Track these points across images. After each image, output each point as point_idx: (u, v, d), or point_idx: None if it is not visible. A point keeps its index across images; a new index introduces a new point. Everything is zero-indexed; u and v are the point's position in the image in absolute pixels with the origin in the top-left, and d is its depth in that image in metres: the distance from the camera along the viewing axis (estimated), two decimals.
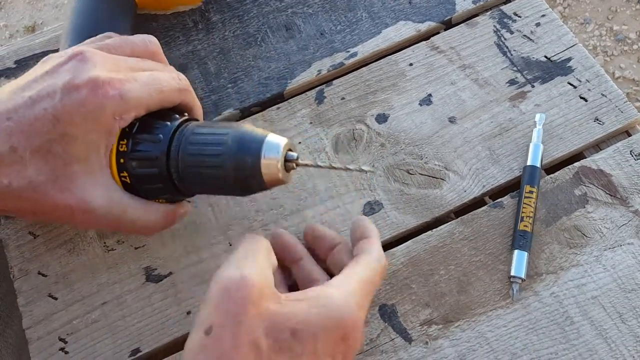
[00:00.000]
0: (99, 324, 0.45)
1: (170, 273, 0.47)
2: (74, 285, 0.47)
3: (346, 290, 0.35)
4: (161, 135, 0.40)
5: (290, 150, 0.40)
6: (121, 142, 0.40)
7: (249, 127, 0.40)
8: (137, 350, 0.44)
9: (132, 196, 0.41)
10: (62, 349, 0.45)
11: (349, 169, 0.41)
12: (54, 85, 0.38)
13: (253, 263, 0.34)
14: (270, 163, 0.38)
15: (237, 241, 0.38)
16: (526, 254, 0.45)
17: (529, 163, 0.48)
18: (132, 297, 0.46)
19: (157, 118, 0.41)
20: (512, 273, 0.44)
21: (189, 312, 0.45)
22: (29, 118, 0.38)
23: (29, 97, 0.38)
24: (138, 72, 0.41)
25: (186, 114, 0.43)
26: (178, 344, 0.45)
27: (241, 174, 0.39)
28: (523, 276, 0.44)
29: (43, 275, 0.47)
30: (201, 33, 0.58)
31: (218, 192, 0.42)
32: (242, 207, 0.49)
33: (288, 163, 0.39)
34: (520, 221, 0.46)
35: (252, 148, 0.38)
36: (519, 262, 0.45)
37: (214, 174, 0.39)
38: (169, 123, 0.41)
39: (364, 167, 0.40)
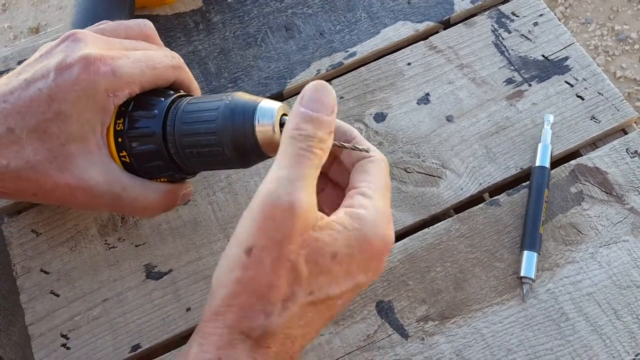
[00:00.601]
0: (100, 320, 0.46)
1: (170, 270, 0.47)
2: (76, 283, 0.47)
3: (375, 208, 0.34)
4: (156, 111, 0.40)
5: (285, 114, 0.39)
6: (118, 122, 0.41)
7: (241, 94, 0.39)
8: (137, 346, 0.45)
9: (131, 175, 0.42)
10: (63, 345, 0.45)
11: (343, 146, 0.40)
12: (47, 66, 0.39)
13: (304, 185, 0.32)
14: (265, 129, 0.38)
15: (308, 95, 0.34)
16: (536, 254, 0.45)
17: (539, 164, 0.48)
18: (133, 294, 0.47)
19: (152, 96, 0.42)
20: (523, 274, 0.45)
21: (188, 309, 0.46)
22: (24, 99, 0.39)
23: (24, 79, 0.39)
24: (131, 51, 0.42)
25: (182, 91, 0.44)
26: (178, 340, 0.46)
27: (237, 143, 0.38)
28: (533, 277, 0.45)
29: (45, 272, 0.48)
30: (202, 33, 0.59)
31: (218, 165, 0.41)
32: (241, 205, 0.49)
33: (284, 128, 0.38)
34: (542, 224, 0.46)
35: (246, 115, 0.38)
36: (530, 262, 0.45)
37: (210, 145, 0.39)
38: (163, 99, 0.41)
39: (357, 146, 0.40)
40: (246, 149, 0.39)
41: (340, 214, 0.34)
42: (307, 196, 0.32)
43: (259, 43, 0.58)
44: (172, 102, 0.41)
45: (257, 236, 0.31)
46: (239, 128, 0.38)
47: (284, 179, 0.32)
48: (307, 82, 0.55)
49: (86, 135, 0.40)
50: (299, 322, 0.33)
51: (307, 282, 0.32)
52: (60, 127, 0.39)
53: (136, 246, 0.49)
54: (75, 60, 0.39)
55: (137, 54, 0.41)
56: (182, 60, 0.44)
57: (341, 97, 0.54)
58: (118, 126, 0.41)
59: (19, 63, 0.58)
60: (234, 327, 0.32)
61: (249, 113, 0.38)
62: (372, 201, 0.35)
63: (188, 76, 0.45)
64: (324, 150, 0.34)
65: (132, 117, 0.41)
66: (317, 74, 0.56)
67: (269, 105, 0.38)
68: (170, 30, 0.59)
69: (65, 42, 0.40)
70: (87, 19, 0.51)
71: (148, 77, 0.41)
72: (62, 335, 0.46)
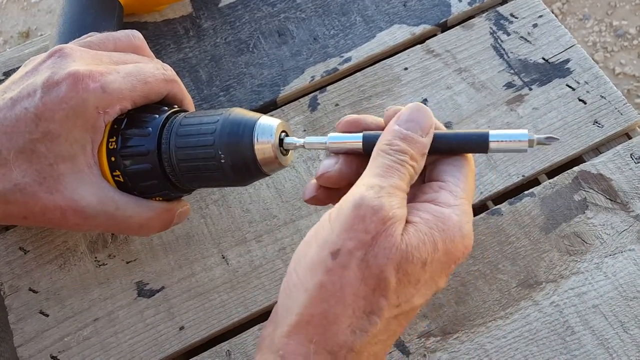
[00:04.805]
0: (90, 340, 0.45)
1: (163, 287, 0.46)
2: (65, 302, 0.46)
3: (460, 208, 0.33)
4: (150, 129, 0.39)
5: (284, 131, 0.38)
6: (110, 140, 0.39)
7: (239, 111, 0.38)
8: None
9: (124, 193, 0.40)
10: None
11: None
12: (33, 84, 0.38)
13: (394, 193, 0.31)
14: (264, 147, 0.37)
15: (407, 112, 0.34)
16: None
17: None
18: (124, 313, 0.45)
19: (145, 112, 0.40)
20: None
21: (182, 328, 0.44)
22: (10, 119, 0.37)
23: (10, 98, 0.38)
24: (121, 65, 0.40)
25: (176, 106, 0.42)
26: None
27: (235, 159, 0.37)
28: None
29: (34, 291, 0.47)
30: (192, 40, 0.57)
31: (214, 181, 0.40)
32: (235, 219, 0.48)
33: (282, 147, 0.38)
34: None
35: (244, 133, 0.37)
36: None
37: (207, 165, 0.38)
38: (157, 116, 0.40)
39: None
40: (244, 166, 0.38)
41: (424, 214, 0.32)
42: (397, 203, 0.31)
43: (251, 49, 0.56)
44: (167, 119, 0.40)
45: (344, 238, 0.30)
46: (238, 144, 0.37)
47: (375, 185, 0.31)
48: (301, 89, 0.54)
49: (76, 155, 0.38)
50: (381, 337, 0.31)
51: (395, 293, 0.30)
52: (49, 147, 0.37)
53: (127, 263, 0.47)
54: (62, 77, 0.37)
55: (127, 67, 0.40)
56: (174, 72, 0.43)
57: (336, 104, 0.53)
58: (111, 145, 0.39)
59: (4, 73, 0.57)
60: (320, 343, 0.30)
61: (247, 130, 0.37)
62: (458, 200, 0.33)
63: (181, 89, 0.43)
64: (415, 169, 0.33)
65: (125, 135, 0.39)
66: (311, 80, 0.54)
67: (268, 122, 0.37)
68: (160, 38, 0.57)
69: (52, 58, 0.39)
70: (74, 27, 0.49)
71: (139, 92, 0.40)
72: (52, 357, 0.44)
